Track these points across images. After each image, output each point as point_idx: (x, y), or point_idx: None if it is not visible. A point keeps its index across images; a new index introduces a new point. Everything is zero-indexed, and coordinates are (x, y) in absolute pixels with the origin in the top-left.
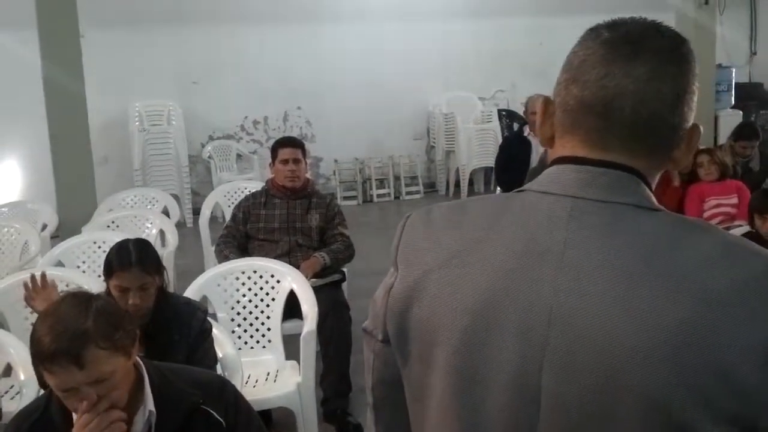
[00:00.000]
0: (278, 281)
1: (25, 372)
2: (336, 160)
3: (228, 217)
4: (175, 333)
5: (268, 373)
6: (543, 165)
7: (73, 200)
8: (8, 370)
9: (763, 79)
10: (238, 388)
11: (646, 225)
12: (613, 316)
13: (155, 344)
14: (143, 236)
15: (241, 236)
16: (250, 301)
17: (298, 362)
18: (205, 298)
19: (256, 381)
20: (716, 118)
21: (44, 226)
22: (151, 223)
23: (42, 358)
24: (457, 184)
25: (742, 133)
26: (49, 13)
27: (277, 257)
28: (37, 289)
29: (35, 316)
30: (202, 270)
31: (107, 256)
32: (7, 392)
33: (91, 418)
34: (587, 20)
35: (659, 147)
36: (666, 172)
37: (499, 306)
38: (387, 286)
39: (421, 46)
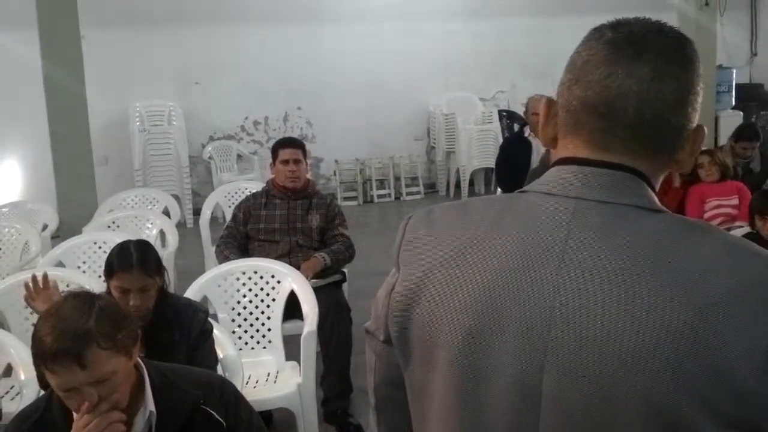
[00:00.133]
0: (279, 282)
1: (25, 372)
2: (336, 161)
3: (228, 217)
4: (176, 333)
5: (269, 374)
6: (544, 165)
7: (73, 200)
8: (8, 371)
9: (763, 80)
10: (239, 388)
11: (647, 226)
12: (614, 317)
13: (156, 345)
14: (144, 237)
15: (242, 237)
16: (250, 301)
17: (299, 363)
18: (205, 299)
19: (257, 382)
20: (717, 119)
21: (45, 227)
22: (152, 224)
23: (44, 357)
24: (458, 185)
25: (742, 134)
26: (49, 13)
27: (278, 258)
28: (37, 289)
29: (36, 316)
30: (202, 270)
31: (108, 257)
32: (7, 393)
33: (91, 418)
34: (587, 20)
35: (662, 148)
36: (668, 173)
37: (501, 306)
38: (389, 287)
39: (421, 46)
